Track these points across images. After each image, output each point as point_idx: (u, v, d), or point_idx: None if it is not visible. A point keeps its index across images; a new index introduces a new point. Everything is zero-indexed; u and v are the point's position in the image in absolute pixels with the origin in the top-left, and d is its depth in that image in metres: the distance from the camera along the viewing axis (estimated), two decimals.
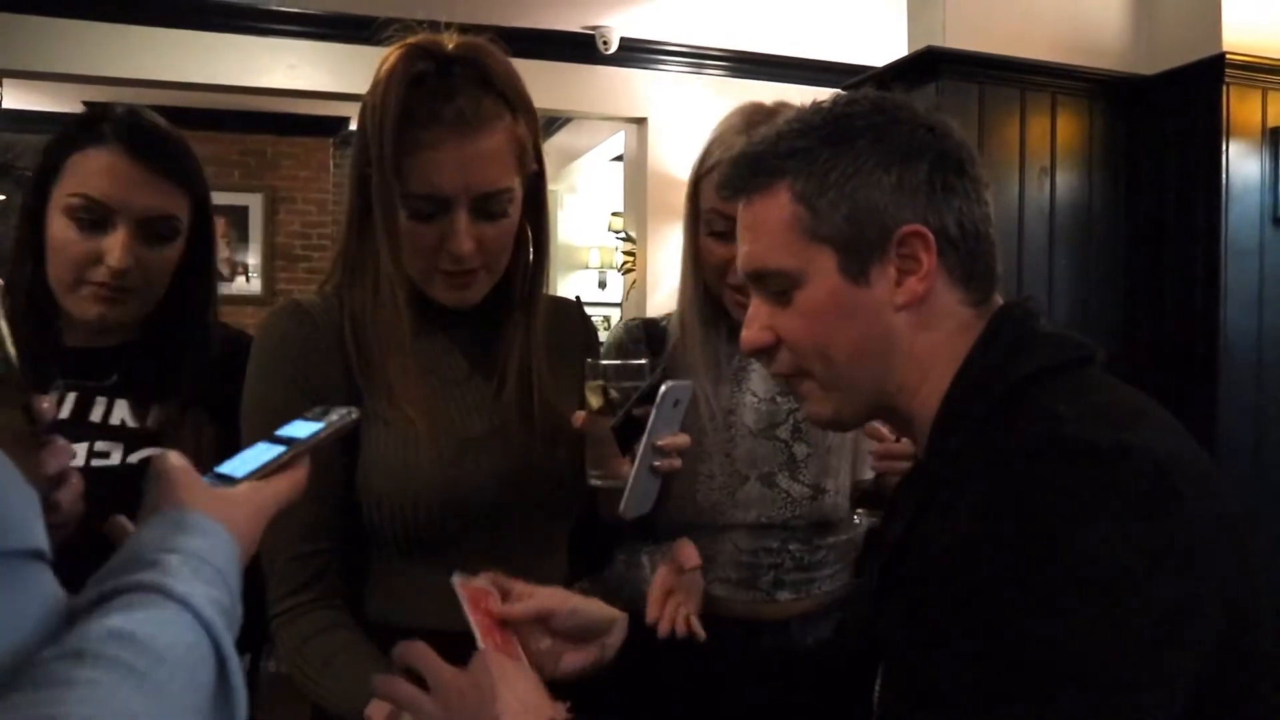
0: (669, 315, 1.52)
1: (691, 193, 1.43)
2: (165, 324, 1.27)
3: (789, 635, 1.38)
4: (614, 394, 1.08)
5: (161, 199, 1.20)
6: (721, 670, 1.15)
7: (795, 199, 0.86)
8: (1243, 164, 2.66)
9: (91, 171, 1.17)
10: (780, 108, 1.38)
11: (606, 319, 8.07)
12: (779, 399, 1.40)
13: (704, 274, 1.41)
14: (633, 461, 1.06)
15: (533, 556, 1.16)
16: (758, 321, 0.90)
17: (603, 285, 8.61)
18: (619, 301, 5.66)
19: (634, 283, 4.89)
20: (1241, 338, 2.66)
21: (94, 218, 1.17)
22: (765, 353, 0.91)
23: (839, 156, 0.85)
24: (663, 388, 1.04)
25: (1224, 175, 2.64)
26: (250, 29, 4.44)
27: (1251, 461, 2.67)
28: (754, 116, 1.38)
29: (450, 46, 1.09)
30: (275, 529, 0.93)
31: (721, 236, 1.34)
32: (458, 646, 1.06)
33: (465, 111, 1.05)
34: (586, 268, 8.54)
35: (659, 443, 1.05)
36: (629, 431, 1.07)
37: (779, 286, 0.88)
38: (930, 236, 0.84)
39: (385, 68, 1.07)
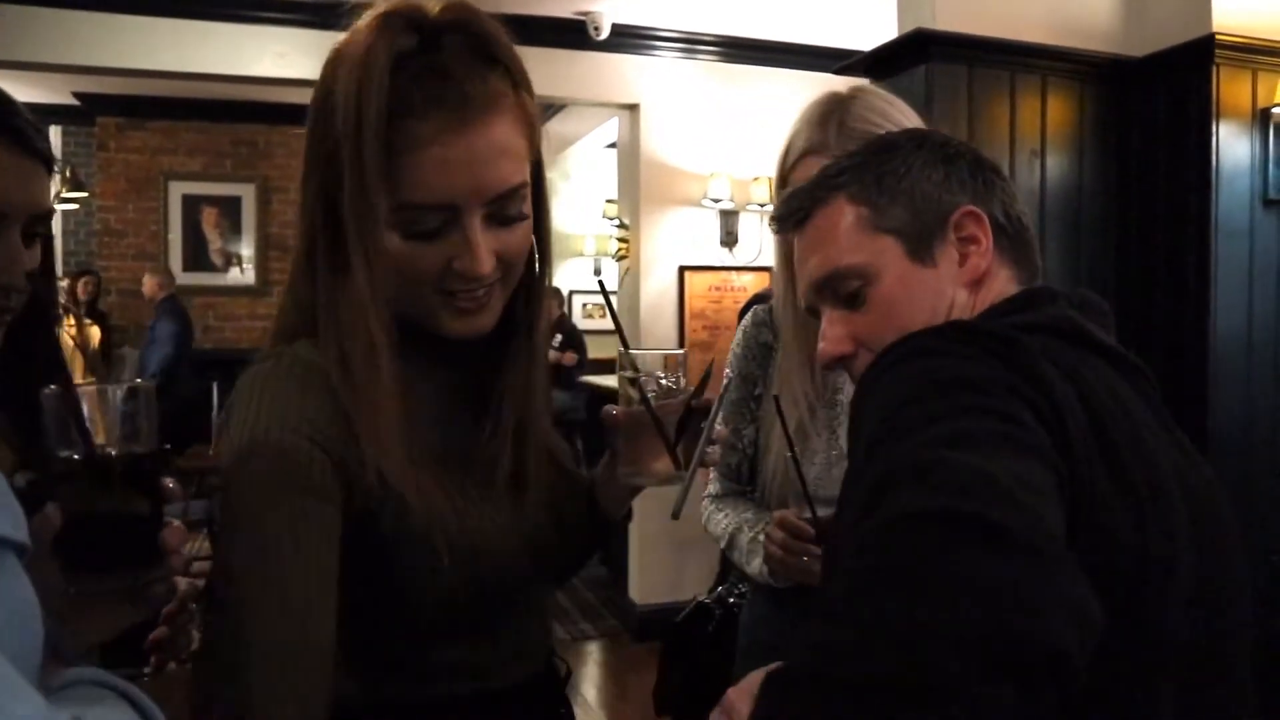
0: None
1: (780, 191, 1.46)
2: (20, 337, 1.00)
3: None
4: (653, 387, 1.00)
5: (39, 188, 0.94)
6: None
7: (853, 202, 0.91)
8: (1233, 145, 2.67)
9: None
10: (856, 93, 1.42)
11: (601, 306, 8.08)
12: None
13: None
14: (688, 459, 1.00)
15: (539, 616, 1.08)
16: (833, 331, 0.93)
17: (598, 272, 8.62)
18: (614, 290, 5.66)
19: (628, 269, 4.89)
20: (1232, 318, 2.68)
21: None
22: (844, 362, 0.94)
23: (887, 161, 0.91)
24: (723, 384, 1.03)
25: (1214, 157, 2.65)
26: (238, 17, 4.41)
27: (1242, 439, 2.69)
28: (830, 105, 1.40)
29: (435, 12, 0.87)
30: (275, 611, 0.79)
31: None
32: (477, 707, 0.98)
33: (471, 93, 0.85)
34: (581, 255, 8.55)
35: (715, 436, 1.02)
36: (684, 425, 1.01)
37: (851, 288, 0.91)
38: (983, 215, 0.90)
39: (358, 45, 0.85)
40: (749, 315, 1.58)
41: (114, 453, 0.81)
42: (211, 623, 0.85)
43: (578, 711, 4.01)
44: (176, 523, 0.88)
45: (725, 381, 1.04)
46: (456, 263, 0.87)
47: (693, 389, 1.02)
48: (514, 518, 0.99)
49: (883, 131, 1.32)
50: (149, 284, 6.70)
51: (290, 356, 0.90)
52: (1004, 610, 0.52)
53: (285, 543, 0.82)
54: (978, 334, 0.75)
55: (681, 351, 1.03)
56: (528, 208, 0.92)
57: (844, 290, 0.92)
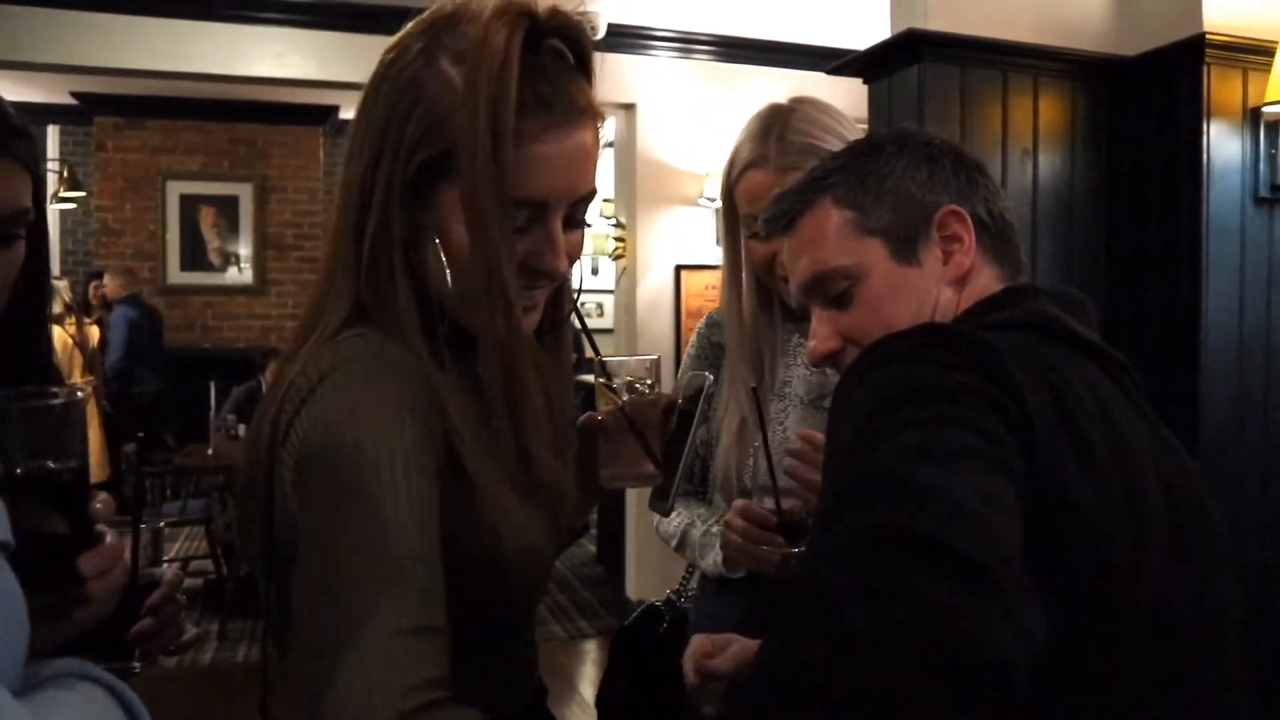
0: None
1: (726, 201, 1.49)
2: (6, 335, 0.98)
3: None
4: (629, 392, 1.02)
5: (14, 189, 0.91)
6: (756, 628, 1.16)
7: (840, 205, 0.94)
8: (1224, 144, 2.69)
9: None
10: (796, 104, 1.44)
11: (600, 305, 8.10)
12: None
13: (753, 270, 1.47)
14: (677, 461, 1.02)
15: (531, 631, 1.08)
16: (822, 330, 0.97)
17: (595, 271, 8.63)
18: (611, 288, 5.68)
19: (624, 269, 4.90)
20: (1223, 316, 2.69)
21: None
22: (832, 358, 0.97)
23: (872, 163, 0.94)
24: (706, 385, 1.04)
25: (1205, 155, 2.66)
26: (237, 17, 4.43)
27: (1234, 437, 2.70)
28: (772, 119, 1.43)
29: (543, 14, 0.89)
30: (380, 591, 0.71)
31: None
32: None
33: (575, 97, 0.89)
34: None
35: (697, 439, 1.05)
36: (665, 429, 1.03)
37: (839, 288, 0.94)
38: (966, 214, 0.92)
39: (496, 35, 0.83)
40: (703, 318, 1.62)
41: (23, 470, 0.78)
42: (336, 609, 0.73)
43: (576, 710, 4.00)
44: (109, 540, 0.85)
45: (707, 386, 1.06)
46: (534, 260, 0.88)
47: (667, 394, 1.05)
48: (554, 526, 0.97)
49: (822, 143, 1.35)
50: (110, 285, 6.68)
51: (376, 345, 0.84)
52: (953, 630, 0.54)
53: (429, 515, 0.77)
54: (949, 337, 0.76)
55: (655, 357, 1.06)
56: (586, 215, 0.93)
57: (832, 290, 0.94)
